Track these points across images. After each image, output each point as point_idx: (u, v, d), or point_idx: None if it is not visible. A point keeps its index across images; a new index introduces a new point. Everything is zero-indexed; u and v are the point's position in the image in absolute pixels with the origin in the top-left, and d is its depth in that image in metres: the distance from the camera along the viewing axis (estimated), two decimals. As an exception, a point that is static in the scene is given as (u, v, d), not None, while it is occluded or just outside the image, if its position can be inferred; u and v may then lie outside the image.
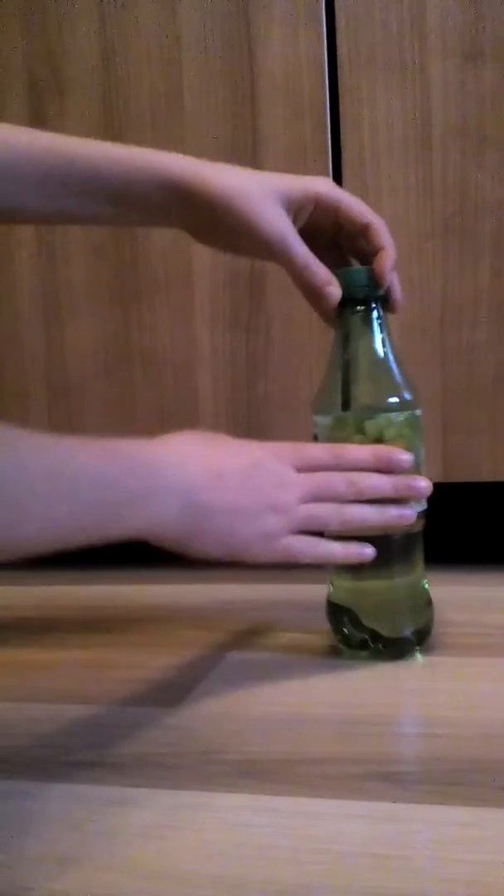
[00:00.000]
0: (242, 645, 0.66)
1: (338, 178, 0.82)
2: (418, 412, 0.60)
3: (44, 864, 0.37)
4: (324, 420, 0.60)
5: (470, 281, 0.80)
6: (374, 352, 0.60)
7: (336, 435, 0.59)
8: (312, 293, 0.60)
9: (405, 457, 0.57)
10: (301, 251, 0.60)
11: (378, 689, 0.56)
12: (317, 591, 0.65)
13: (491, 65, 0.78)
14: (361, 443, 0.58)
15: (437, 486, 0.60)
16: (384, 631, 0.60)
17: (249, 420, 0.87)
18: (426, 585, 0.62)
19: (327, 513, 0.55)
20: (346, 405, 0.60)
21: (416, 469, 0.59)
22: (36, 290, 0.91)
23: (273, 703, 0.54)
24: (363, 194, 0.80)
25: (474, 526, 0.95)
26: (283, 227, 0.59)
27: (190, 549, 0.51)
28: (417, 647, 0.61)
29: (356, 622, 0.60)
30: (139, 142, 0.61)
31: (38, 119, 0.88)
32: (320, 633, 0.64)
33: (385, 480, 0.57)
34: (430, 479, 0.60)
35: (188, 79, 0.85)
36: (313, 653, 0.63)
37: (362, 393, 0.60)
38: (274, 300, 0.85)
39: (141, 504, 0.47)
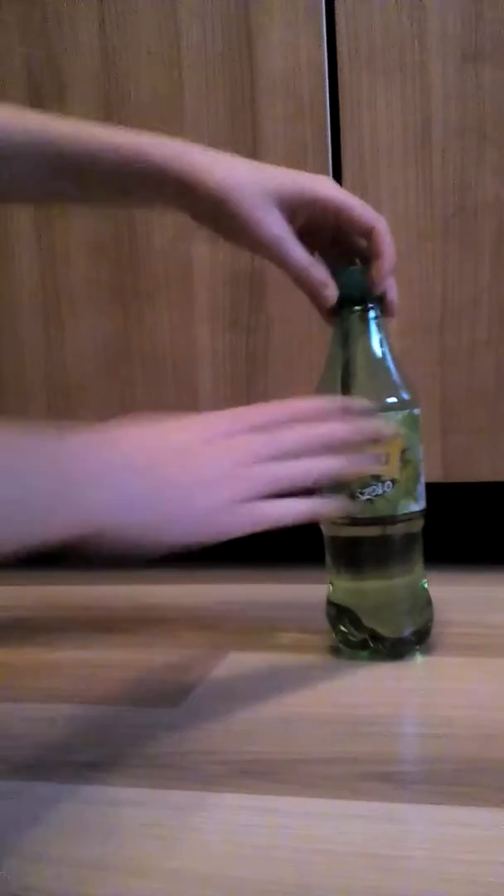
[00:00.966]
0: (242, 645, 0.66)
1: (338, 178, 0.82)
2: (416, 411, 0.60)
3: (44, 864, 0.37)
4: (324, 420, 0.60)
5: (470, 281, 0.80)
6: (372, 351, 0.60)
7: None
8: (310, 293, 0.60)
9: (359, 402, 0.56)
10: (297, 255, 0.59)
11: (378, 689, 0.56)
12: (317, 591, 0.65)
13: (491, 65, 0.78)
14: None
15: (437, 486, 0.60)
16: (384, 631, 0.60)
17: (249, 420, 0.87)
18: (426, 585, 0.62)
19: (290, 470, 0.50)
20: (345, 405, 0.60)
21: (415, 469, 0.60)
22: (36, 290, 0.91)
23: (273, 703, 0.54)
24: (363, 194, 0.80)
25: (474, 526, 0.95)
26: (277, 231, 0.58)
27: (146, 540, 0.45)
28: (417, 647, 0.61)
29: (356, 622, 0.60)
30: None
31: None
32: (320, 633, 0.64)
33: (342, 426, 0.53)
34: (430, 479, 0.60)
35: (188, 79, 0.85)
36: (313, 653, 0.63)
37: (360, 392, 0.60)
38: (274, 300, 0.85)
39: (72, 499, 0.42)
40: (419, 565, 0.62)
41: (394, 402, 0.59)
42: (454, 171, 0.80)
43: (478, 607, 0.73)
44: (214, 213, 0.58)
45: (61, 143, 0.58)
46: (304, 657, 0.62)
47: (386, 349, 0.61)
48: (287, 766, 0.45)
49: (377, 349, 0.60)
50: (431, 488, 0.63)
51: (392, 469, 0.59)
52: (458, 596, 0.75)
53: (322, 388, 0.62)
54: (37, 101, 0.89)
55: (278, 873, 0.36)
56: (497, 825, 0.38)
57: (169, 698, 0.56)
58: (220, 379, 0.87)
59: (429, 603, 0.62)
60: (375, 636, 0.60)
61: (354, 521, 0.59)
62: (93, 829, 0.40)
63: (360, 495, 0.58)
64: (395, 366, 0.61)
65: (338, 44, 0.81)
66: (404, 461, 0.59)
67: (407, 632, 0.61)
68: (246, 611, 0.76)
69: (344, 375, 0.60)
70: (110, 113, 0.87)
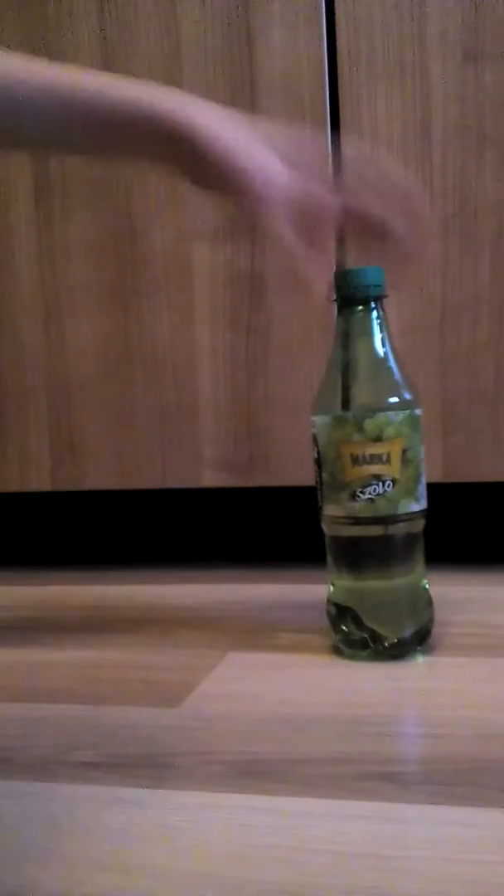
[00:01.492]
0: (242, 645, 0.66)
1: (338, 178, 0.82)
2: (418, 411, 0.60)
3: (44, 864, 0.37)
4: (323, 420, 0.60)
5: (470, 281, 0.80)
6: (374, 351, 0.60)
7: (335, 434, 0.59)
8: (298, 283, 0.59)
9: None
10: (288, 237, 0.57)
11: (378, 689, 0.56)
12: (317, 591, 0.65)
13: (491, 65, 0.78)
14: (360, 442, 0.58)
15: (438, 486, 0.60)
16: (385, 631, 0.60)
17: (249, 420, 0.87)
18: (427, 585, 0.62)
19: None
20: (346, 404, 0.60)
21: (417, 468, 0.60)
22: (36, 290, 0.91)
23: (273, 703, 0.54)
24: (363, 194, 0.80)
25: (474, 526, 0.95)
26: (272, 181, 0.56)
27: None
28: (418, 647, 0.61)
29: (357, 621, 0.60)
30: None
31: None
32: (320, 633, 0.64)
33: None
34: (431, 479, 0.60)
35: (188, 79, 0.85)
36: (313, 653, 0.63)
37: (362, 392, 0.60)
38: (274, 300, 0.85)
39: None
40: (420, 565, 0.62)
41: (395, 402, 0.59)
42: (454, 170, 0.80)
43: (478, 607, 0.73)
44: (206, 166, 0.56)
45: (67, 91, 0.57)
46: (304, 657, 0.62)
47: (388, 349, 0.60)
48: (287, 766, 0.45)
49: (379, 349, 0.60)
50: (432, 488, 0.63)
51: (393, 469, 0.59)
52: (458, 596, 0.75)
53: (324, 389, 0.62)
54: (37, 101, 0.88)
55: (278, 873, 0.36)
56: (497, 825, 0.38)
57: (169, 698, 0.56)
58: (220, 379, 0.88)
59: (429, 603, 0.62)
60: (376, 636, 0.60)
61: (355, 521, 0.59)
62: (93, 830, 0.40)
63: (361, 495, 0.59)
64: (398, 365, 0.60)
65: (338, 44, 0.81)
66: (405, 461, 0.59)
67: (408, 632, 0.61)
68: (246, 611, 0.76)
69: (345, 376, 0.60)
70: (110, 113, 0.87)
